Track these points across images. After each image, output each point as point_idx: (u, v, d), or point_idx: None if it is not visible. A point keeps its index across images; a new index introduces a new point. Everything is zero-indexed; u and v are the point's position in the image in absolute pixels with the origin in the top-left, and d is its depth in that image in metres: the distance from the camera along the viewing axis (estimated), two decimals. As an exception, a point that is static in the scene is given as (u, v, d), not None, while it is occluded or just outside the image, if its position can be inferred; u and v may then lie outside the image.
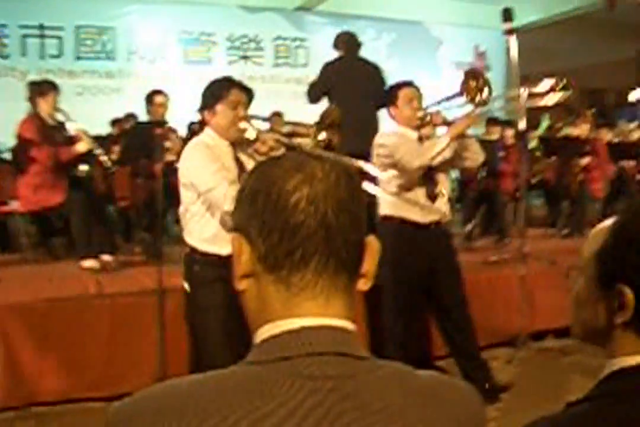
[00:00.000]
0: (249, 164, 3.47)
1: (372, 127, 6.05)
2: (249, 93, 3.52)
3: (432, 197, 4.28)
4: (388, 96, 4.43)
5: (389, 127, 4.51)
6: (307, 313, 0.94)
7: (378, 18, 11.34)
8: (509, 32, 6.91)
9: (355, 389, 0.89)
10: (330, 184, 0.95)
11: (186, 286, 3.48)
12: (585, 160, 7.94)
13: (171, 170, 5.76)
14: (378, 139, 4.36)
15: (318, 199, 0.93)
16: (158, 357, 4.19)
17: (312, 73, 10.82)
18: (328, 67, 6.07)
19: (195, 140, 3.49)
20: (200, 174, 3.29)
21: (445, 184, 4.39)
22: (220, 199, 3.20)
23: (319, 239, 0.93)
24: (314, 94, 6.04)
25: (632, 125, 10.31)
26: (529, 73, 11.33)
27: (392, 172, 4.22)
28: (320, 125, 3.43)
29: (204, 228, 3.40)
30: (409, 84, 4.44)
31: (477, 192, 7.54)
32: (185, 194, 3.42)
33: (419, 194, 4.26)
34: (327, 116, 3.52)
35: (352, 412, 0.87)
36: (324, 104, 6.19)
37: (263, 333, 0.95)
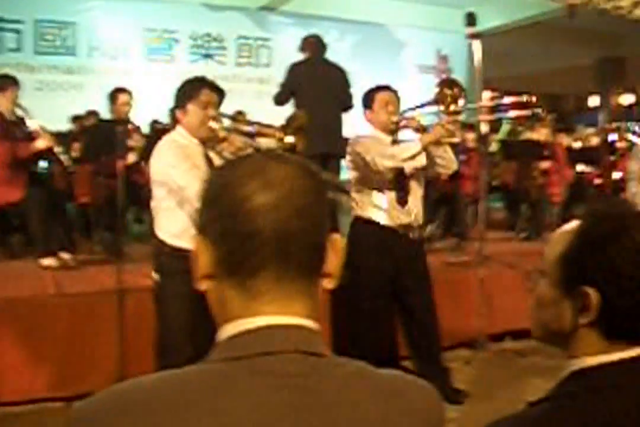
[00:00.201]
0: (218, 162, 3.54)
1: (337, 129, 6.09)
2: (220, 93, 3.60)
3: (403, 202, 4.29)
4: (364, 100, 4.43)
5: (364, 131, 4.51)
6: (267, 313, 0.95)
7: (342, 19, 11.34)
8: (473, 36, 6.98)
9: (317, 386, 0.90)
10: (288, 189, 0.94)
11: (155, 276, 3.60)
12: (544, 165, 8.04)
13: (133, 169, 5.74)
14: (351, 141, 4.37)
15: (275, 206, 0.93)
16: (117, 357, 4.15)
17: (275, 73, 10.85)
18: (294, 69, 6.08)
19: (167, 138, 3.59)
20: (172, 172, 3.40)
21: (418, 191, 4.39)
22: (190, 194, 3.29)
23: (275, 246, 0.93)
24: (282, 95, 6.04)
25: (590, 130, 10.49)
26: (491, 77, 11.47)
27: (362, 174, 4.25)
28: (287, 129, 3.47)
29: (173, 223, 3.50)
30: (385, 87, 4.46)
31: (437, 194, 7.58)
32: (156, 191, 3.52)
33: (390, 198, 4.27)
34: (294, 121, 3.56)
35: (314, 409, 0.89)
36: (287, 105, 6.19)
37: (226, 331, 0.96)
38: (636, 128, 9.25)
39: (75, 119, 8.04)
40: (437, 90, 4.18)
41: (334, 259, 1.01)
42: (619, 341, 1.26)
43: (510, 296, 5.54)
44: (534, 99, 4.02)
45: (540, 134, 8.40)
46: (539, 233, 7.67)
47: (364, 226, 4.32)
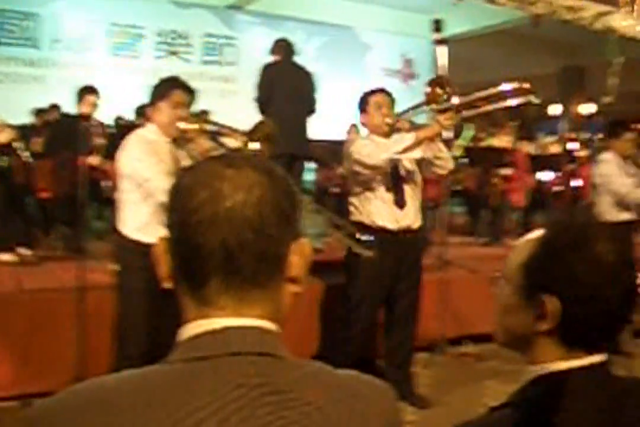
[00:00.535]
0: (186, 162, 3.59)
1: (303, 131, 6.13)
2: (191, 94, 3.67)
3: (401, 204, 4.29)
4: (359, 103, 4.43)
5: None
6: (223, 316, 0.95)
7: (309, 21, 11.37)
8: (439, 42, 7.04)
9: (277, 387, 0.91)
10: (235, 201, 0.93)
11: (116, 267, 3.67)
12: (505, 171, 8.13)
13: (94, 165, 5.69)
14: (346, 143, 4.38)
15: (219, 220, 0.93)
16: (76, 356, 4.09)
17: (240, 72, 10.84)
18: (267, 70, 6.09)
19: (136, 132, 3.66)
20: (138, 165, 3.47)
21: (415, 193, 4.39)
22: (158, 190, 3.34)
23: (220, 259, 0.93)
24: (262, 97, 6.05)
25: (552, 138, 10.63)
26: (455, 83, 11.55)
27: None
28: (253, 135, 3.50)
29: (136, 217, 3.56)
30: (380, 90, 4.44)
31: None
32: (122, 184, 3.58)
33: (388, 200, 4.27)
34: (262, 128, 3.58)
35: (275, 409, 0.89)
36: (250, 105, 6.17)
37: (186, 331, 0.96)
38: (593, 138, 9.42)
39: (38, 112, 7.93)
40: (428, 89, 4.15)
41: (300, 263, 1.00)
42: (577, 349, 1.28)
43: (470, 301, 5.59)
44: (527, 85, 4.01)
45: (502, 141, 8.50)
46: (498, 238, 7.76)
47: (365, 231, 4.24)
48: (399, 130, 4.34)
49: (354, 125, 8.66)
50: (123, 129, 7.30)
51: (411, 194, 4.35)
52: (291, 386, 0.92)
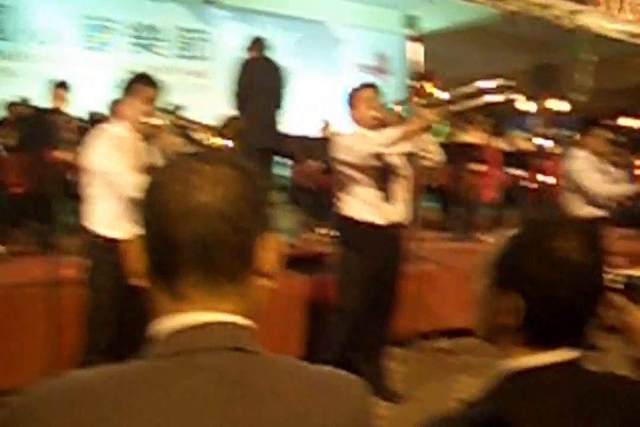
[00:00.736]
0: (157, 156, 3.63)
1: (274, 126, 6.16)
2: (158, 89, 3.70)
3: (390, 199, 4.28)
4: (348, 99, 4.40)
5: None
6: (197, 311, 0.96)
7: (282, 15, 11.34)
8: (414, 38, 7.06)
9: (251, 382, 0.92)
10: (210, 195, 0.95)
11: (85, 263, 3.69)
12: (478, 167, 8.16)
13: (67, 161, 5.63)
14: (334, 138, 4.37)
15: (194, 214, 0.94)
16: (48, 351, 4.06)
17: (214, 67, 10.80)
18: (246, 66, 6.11)
19: (104, 128, 3.67)
20: (107, 161, 3.49)
21: (405, 187, 4.39)
22: (127, 185, 3.38)
23: (195, 253, 0.94)
24: (241, 93, 6.04)
25: (524, 135, 10.71)
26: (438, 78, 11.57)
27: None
28: (224, 131, 3.52)
29: (104, 213, 3.58)
30: (367, 85, 4.43)
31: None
32: (89, 179, 3.58)
33: (377, 195, 4.26)
34: (233, 125, 3.60)
35: (248, 404, 0.90)
36: (223, 100, 6.17)
37: (162, 326, 0.96)
38: (566, 135, 9.49)
39: (9, 106, 7.82)
40: (414, 84, 4.13)
41: (270, 258, 1.01)
42: (544, 345, 1.30)
43: (443, 295, 5.63)
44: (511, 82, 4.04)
45: (475, 137, 8.54)
46: (469, 234, 7.79)
47: (353, 226, 4.29)
48: (386, 125, 4.30)
49: (327, 121, 8.65)
50: (97, 124, 7.26)
51: (401, 189, 4.34)
52: (264, 382, 0.93)
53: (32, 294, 4.30)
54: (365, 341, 4.51)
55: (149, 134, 3.65)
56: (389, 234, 4.29)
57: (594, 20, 9.25)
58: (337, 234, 4.51)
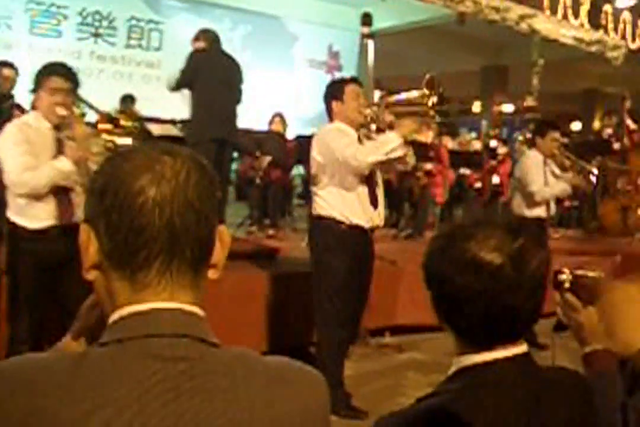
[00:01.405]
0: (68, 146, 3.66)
1: (233, 118, 6.08)
2: (73, 80, 3.71)
3: (375, 201, 4.20)
4: (332, 90, 4.24)
5: (327, 127, 4.28)
6: (154, 301, 0.95)
7: (235, 8, 11.28)
8: (368, 36, 7.10)
9: (203, 370, 0.92)
10: (177, 184, 0.95)
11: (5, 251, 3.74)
12: (428, 166, 8.23)
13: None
14: (318, 137, 4.22)
15: (164, 201, 0.94)
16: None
17: (165, 57, 10.67)
18: (195, 56, 5.96)
19: (20, 119, 3.80)
20: (4, 154, 3.55)
21: (381, 191, 4.32)
22: (13, 183, 3.51)
23: (163, 241, 0.94)
24: (182, 80, 5.91)
25: (473, 135, 10.86)
26: (380, 76, 11.65)
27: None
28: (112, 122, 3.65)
29: (15, 201, 3.62)
30: (354, 80, 4.30)
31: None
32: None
33: (363, 198, 4.15)
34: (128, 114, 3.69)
35: (198, 394, 0.90)
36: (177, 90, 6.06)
37: (115, 315, 0.95)
38: (518, 136, 9.65)
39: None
40: (422, 90, 4.10)
41: (220, 250, 1.02)
42: (481, 344, 1.31)
43: (391, 292, 5.66)
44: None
45: (426, 136, 8.60)
46: (420, 232, 7.86)
47: (331, 226, 4.16)
48: (373, 122, 4.26)
49: (277, 115, 8.62)
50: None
51: (380, 192, 4.29)
52: (217, 371, 0.93)
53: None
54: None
55: (60, 124, 3.66)
56: (369, 235, 4.24)
57: (545, 25, 9.40)
58: (315, 235, 4.34)
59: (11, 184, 3.54)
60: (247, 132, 7.61)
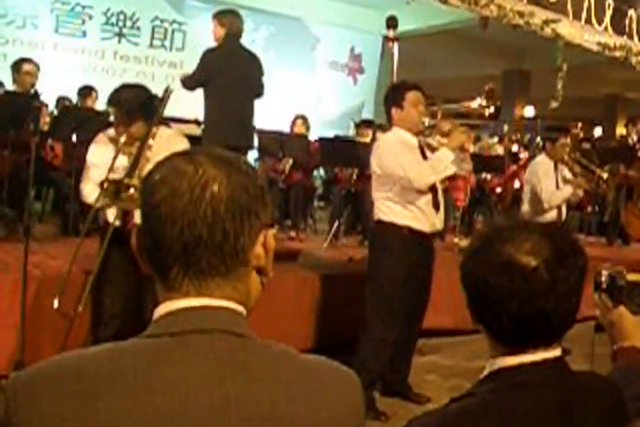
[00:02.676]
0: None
1: (249, 120, 5.93)
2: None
3: (437, 207, 4.22)
4: (392, 96, 4.25)
5: (388, 135, 4.33)
6: (191, 297, 1.01)
7: (258, 10, 11.27)
8: (392, 39, 7.06)
9: (245, 362, 0.97)
10: (190, 200, 0.98)
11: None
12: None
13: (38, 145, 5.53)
14: (378, 148, 4.23)
15: (176, 215, 0.98)
16: (17, 340, 3.97)
17: (188, 58, 10.70)
18: (208, 54, 5.79)
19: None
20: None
21: (442, 195, 4.34)
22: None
23: (176, 252, 0.99)
24: (194, 82, 5.77)
25: (495, 139, 10.82)
26: (401, 79, 11.62)
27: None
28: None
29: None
30: (416, 87, 4.24)
31: (345, 191, 7.65)
32: None
33: (426, 204, 4.16)
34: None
35: (240, 383, 0.95)
36: (196, 91, 5.92)
37: (160, 309, 1.01)
38: (537, 140, 9.60)
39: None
40: (478, 100, 4.14)
41: (262, 254, 1.05)
42: (516, 346, 1.33)
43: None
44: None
45: (468, 144, 8.60)
46: (441, 236, 7.84)
47: (391, 230, 4.17)
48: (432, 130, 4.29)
49: (299, 117, 8.62)
50: (66, 109, 7.15)
51: (441, 196, 4.30)
52: (258, 363, 0.98)
53: (2, 281, 4.21)
54: (403, 352, 4.47)
55: None
56: (429, 240, 4.26)
57: (569, 30, 9.37)
58: (375, 240, 4.38)
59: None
60: (268, 134, 7.61)
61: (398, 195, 4.14)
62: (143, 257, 1.04)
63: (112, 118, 3.78)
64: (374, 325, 4.21)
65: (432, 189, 4.19)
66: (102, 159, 3.74)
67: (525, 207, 6.00)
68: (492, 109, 4.06)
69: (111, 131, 3.86)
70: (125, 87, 3.87)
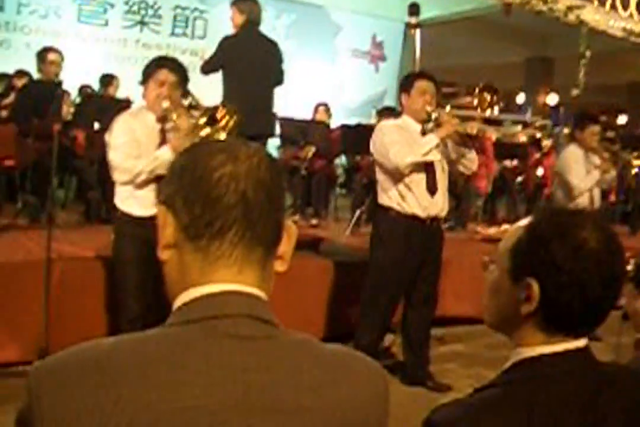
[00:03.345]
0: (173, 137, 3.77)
1: (268, 108, 5.92)
2: (181, 74, 3.81)
3: (432, 191, 4.28)
4: (403, 84, 4.44)
5: (389, 120, 4.54)
6: (222, 280, 1.00)
7: (280, -3, 11.27)
8: (414, 26, 7.02)
9: (268, 349, 0.96)
10: (251, 165, 1.01)
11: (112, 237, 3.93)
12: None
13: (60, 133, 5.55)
14: (377, 129, 4.39)
15: (239, 176, 1.00)
16: (41, 327, 4.01)
17: (209, 45, 10.66)
18: (226, 41, 5.77)
19: (129, 110, 3.99)
20: (111, 142, 3.76)
21: (444, 183, 4.39)
22: (117, 169, 3.71)
23: (238, 212, 0.99)
24: (210, 66, 5.78)
25: (518, 127, 10.71)
26: (422, 67, 11.58)
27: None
28: (212, 117, 3.68)
29: (121, 191, 3.83)
30: (427, 76, 4.42)
31: (367, 179, 7.63)
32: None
33: (420, 186, 4.25)
34: (224, 116, 3.73)
35: (262, 370, 0.94)
36: (217, 79, 5.89)
37: (182, 298, 1.01)
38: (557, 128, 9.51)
39: (3, 77, 7.70)
40: (477, 95, 4.20)
41: (287, 242, 1.07)
42: (558, 333, 1.31)
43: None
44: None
45: (472, 127, 8.53)
46: (463, 224, 7.82)
47: (386, 215, 4.33)
48: (436, 121, 4.32)
49: (321, 105, 8.61)
50: (89, 98, 7.19)
51: (441, 183, 4.34)
52: (283, 351, 0.98)
53: (26, 268, 4.25)
54: (418, 333, 4.57)
55: (166, 115, 3.75)
56: (427, 226, 4.31)
57: (594, 16, 9.26)
58: (375, 224, 4.57)
59: (114, 171, 3.72)
60: (290, 121, 7.60)
61: (389, 178, 4.29)
62: (176, 233, 1.02)
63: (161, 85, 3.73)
64: (362, 311, 4.50)
65: (428, 172, 4.26)
66: (133, 134, 3.74)
67: (557, 194, 6.01)
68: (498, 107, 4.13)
69: (134, 109, 3.97)
70: (166, 57, 4.03)
